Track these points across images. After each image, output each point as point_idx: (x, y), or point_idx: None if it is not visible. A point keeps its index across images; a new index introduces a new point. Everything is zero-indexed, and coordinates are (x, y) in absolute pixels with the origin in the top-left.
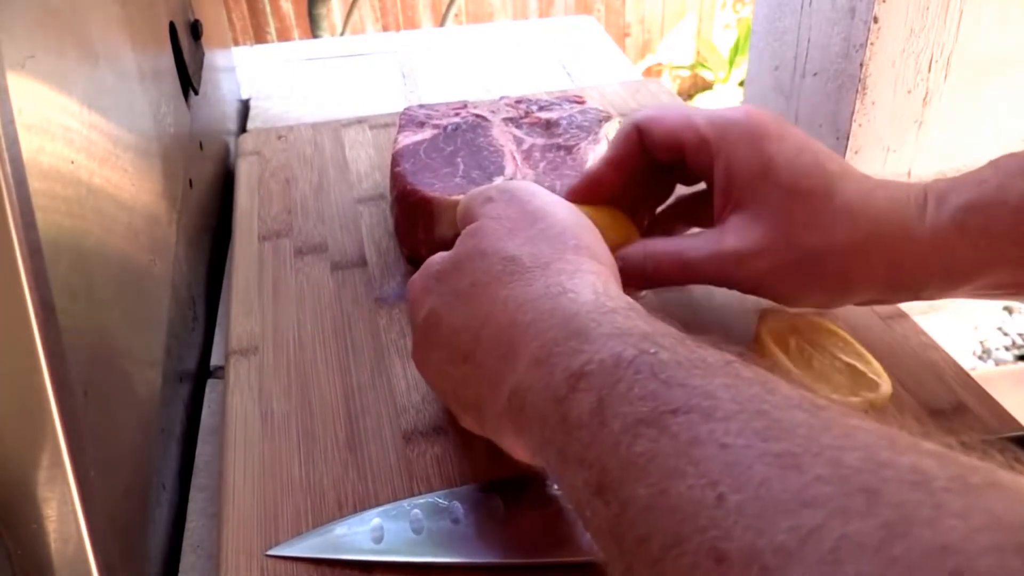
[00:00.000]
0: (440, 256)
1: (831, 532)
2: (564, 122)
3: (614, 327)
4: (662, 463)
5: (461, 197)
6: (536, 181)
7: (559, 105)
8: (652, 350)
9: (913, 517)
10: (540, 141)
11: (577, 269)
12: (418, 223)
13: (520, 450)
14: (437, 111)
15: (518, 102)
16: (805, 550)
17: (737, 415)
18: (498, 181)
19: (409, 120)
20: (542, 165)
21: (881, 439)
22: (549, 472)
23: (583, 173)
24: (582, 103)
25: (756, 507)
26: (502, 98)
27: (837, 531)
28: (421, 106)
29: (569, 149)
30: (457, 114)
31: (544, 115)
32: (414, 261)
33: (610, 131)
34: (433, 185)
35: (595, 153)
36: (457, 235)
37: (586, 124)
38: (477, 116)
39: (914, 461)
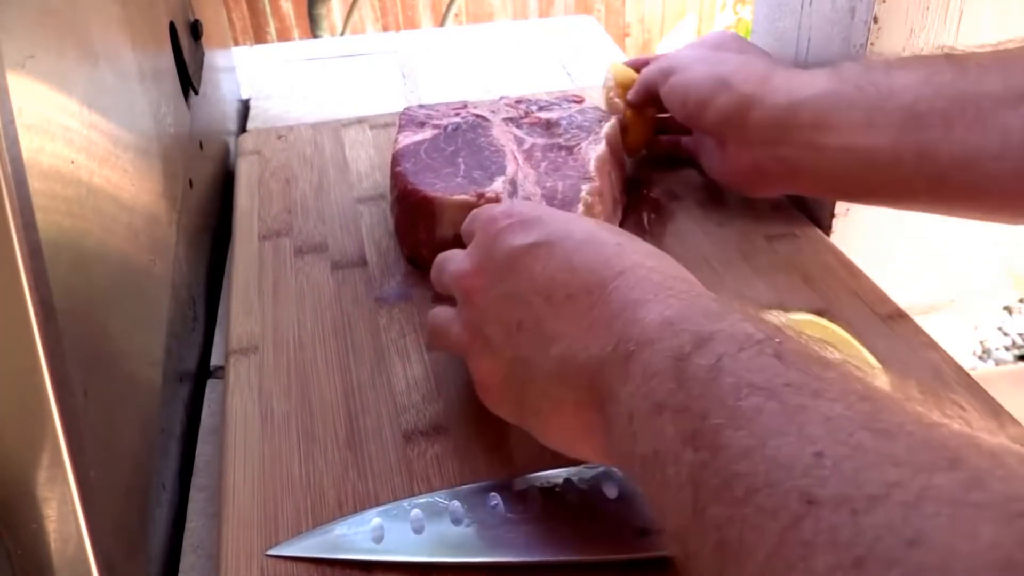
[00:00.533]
0: (529, 203)
1: (917, 483)
2: (564, 122)
3: (746, 315)
4: (767, 421)
5: (462, 197)
6: (537, 181)
7: (559, 105)
8: (778, 339)
9: (989, 476)
10: (541, 141)
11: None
12: (419, 223)
13: (571, 404)
14: (437, 111)
15: (518, 102)
16: (891, 495)
17: (844, 397)
18: (500, 182)
19: (409, 120)
20: (544, 165)
21: (965, 431)
22: (620, 430)
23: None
24: (581, 103)
25: (851, 464)
26: (502, 98)
27: (921, 483)
28: (421, 106)
29: (570, 149)
30: (457, 114)
31: (544, 115)
32: (414, 261)
33: (612, 132)
34: (434, 185)
35: (596, 153)
36: (458, 235)
37: (586, 124)
38: (477, 116)
39: (992, 445)
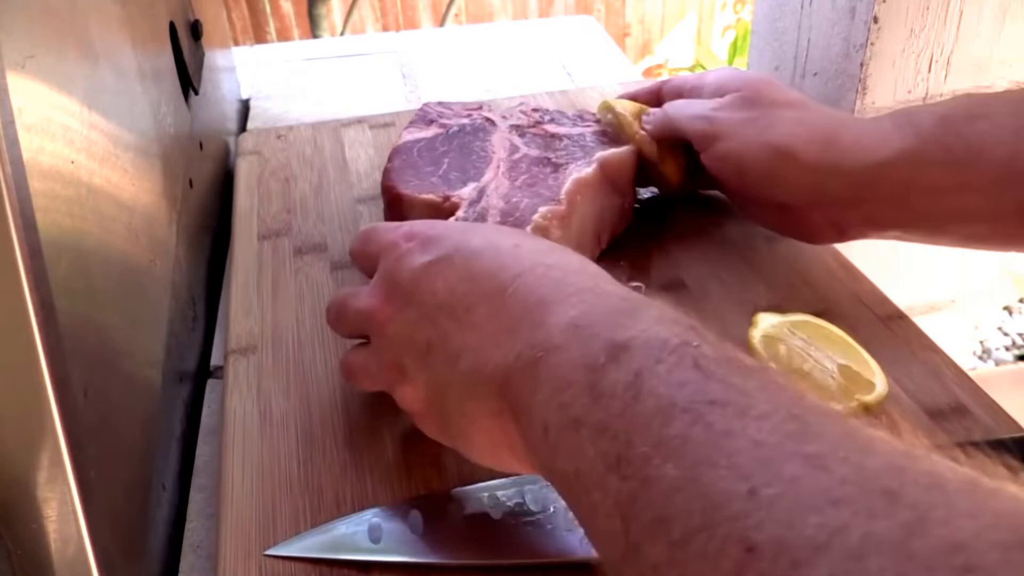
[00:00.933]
0: (428, 222)
1: (856, 529)
2: (567, 139)
3: (661, 313)
4: (694, 449)
5: (428, 196)
6: (507, 193)
7: (572, 121)
8: (695, 343)
9: (929, 517)
10: (534, 153)
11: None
12: (394, 220)
13: (487, 416)
14: (451, 110)
15: (534, 110)
16: (832, 545)
17: (770, 415)
18: (470, 187)
19: (421, 117)
20: (522, 178)
21: (898, 448)
22: (537, 441)
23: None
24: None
25: (786, 503)
26: (521, 104)
27: (861, 528)
28: (440, 103)
29: (556, 167)
30: (469, 115)
31: (552, 128)
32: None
33: (610, 157)
34: (409, 183)
35: (576, 176)
36: None
37: (589, 145)
38: (486, 119)
39: (929, 467)
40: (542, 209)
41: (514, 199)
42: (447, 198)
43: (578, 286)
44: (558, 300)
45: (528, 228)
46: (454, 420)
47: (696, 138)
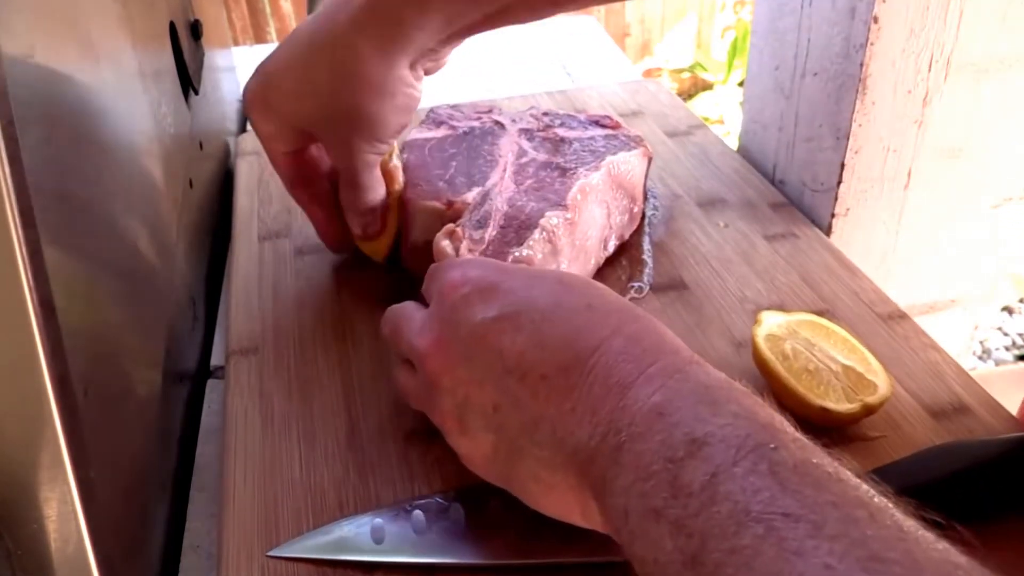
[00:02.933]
0: (483, 265)
1: None
2: (576, 143)
3: (740, 407)
4: (765, 564)
5: (432, 203)
6: (513, 197)
7: (584, 126)
8: (772, 445)
9: None
10: (542, 157)
11: (680, 343)
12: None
13: (563, 487)
14: (461, 112)
15: (544, 114)
16: None
17: (842, 537)
18: (475, 192)
19: (430, 119)
20: (528, 182)
21: (961, 564)
22: (617, 523)
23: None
24: (614, 127)
25: None
26: (531, 108)
27: None
28: (451, 106)
29: (564, 171)
30: (479, 118)
31: (562, 132)
32: (393, 260)
33: (618, 162)
34: (415, 187)
35: (583, 182)
36: (428, 242)
37: (599, 150)
38: (496, 123)
39: None
40: (548, 214)
41: (519, 203)
42: (451, 204)
43: (660, 364)
44: (641, 381)
45: (535, 231)
46: (522, 481)
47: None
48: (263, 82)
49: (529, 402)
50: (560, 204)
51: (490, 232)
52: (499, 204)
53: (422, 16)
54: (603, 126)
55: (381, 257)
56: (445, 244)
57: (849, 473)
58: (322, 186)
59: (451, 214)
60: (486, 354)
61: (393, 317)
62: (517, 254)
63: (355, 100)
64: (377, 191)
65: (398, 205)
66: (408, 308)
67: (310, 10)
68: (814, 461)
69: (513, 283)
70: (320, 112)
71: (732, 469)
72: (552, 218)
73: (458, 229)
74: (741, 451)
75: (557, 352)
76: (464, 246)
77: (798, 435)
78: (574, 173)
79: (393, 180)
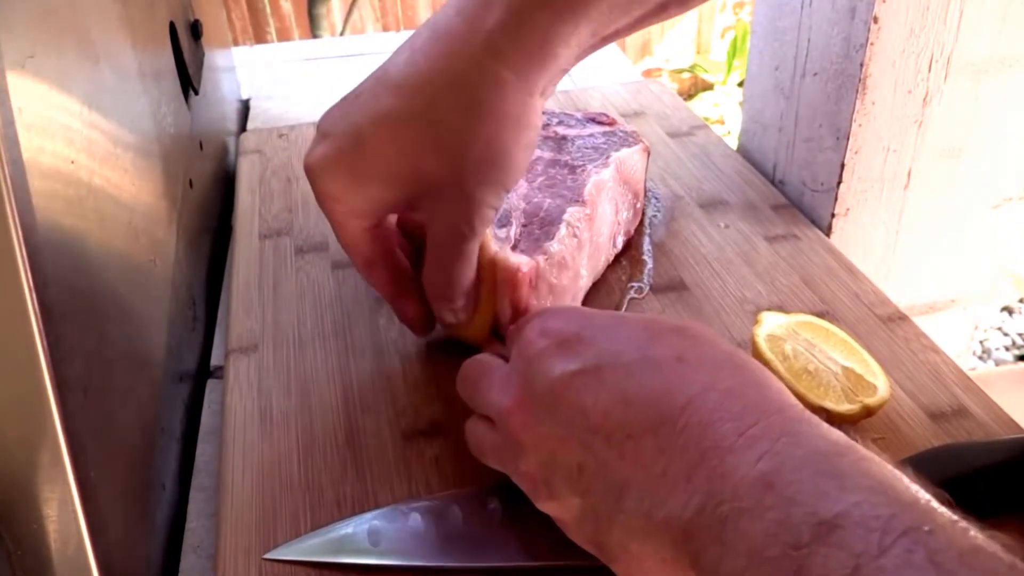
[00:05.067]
0: (563, 313)
1: None
2: (578, 140)
3: (873, 479)
4: None
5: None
6: (527, 194)
7: (582, 123)
8: (926, 527)
9: None
10: (548, 155)
11: (791, 398)
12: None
13: (656, 560)
14: None
15: (543, 112)
16: None
17: None
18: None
19: None
20: (539, 180)
21: None
22: None
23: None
24: (610, 124)
25: None
26: None
27: None
28: None
29: (573, 169)
30: None
31: (561, 130)
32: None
33: (625, 158)
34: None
35: (596, 177)
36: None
37: (602, 146)
38: None
39: None
40: (570, 210)
41: (535, 200)
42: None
43: (763, 424)
44: (742, 444)
45: (560, 227)
46: (612, 550)
47: None
48: (351, 144)
49: (615, 464)
50: (578, 200)
51: (514, 230)
52: (515, 200)
53: (575, 28)
54: (600, 123)
55: (484, 337)
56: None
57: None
58: (401, 263)
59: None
60: (568, 411)
61: (471, 373)
62: (551, 248)
63: (493, 143)
64: (474, 263)
65: (490, 268)
66: (486, 362)
67: (310, 10)
68: (978, 542)
69: (595, 332)
70: (443, 167)
71: (879, 560)
72: (574, 213)
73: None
74: (887, 536)
75: (644, 410)
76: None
77: (953, 513)
78: (583, 170)
79: (487, 244)
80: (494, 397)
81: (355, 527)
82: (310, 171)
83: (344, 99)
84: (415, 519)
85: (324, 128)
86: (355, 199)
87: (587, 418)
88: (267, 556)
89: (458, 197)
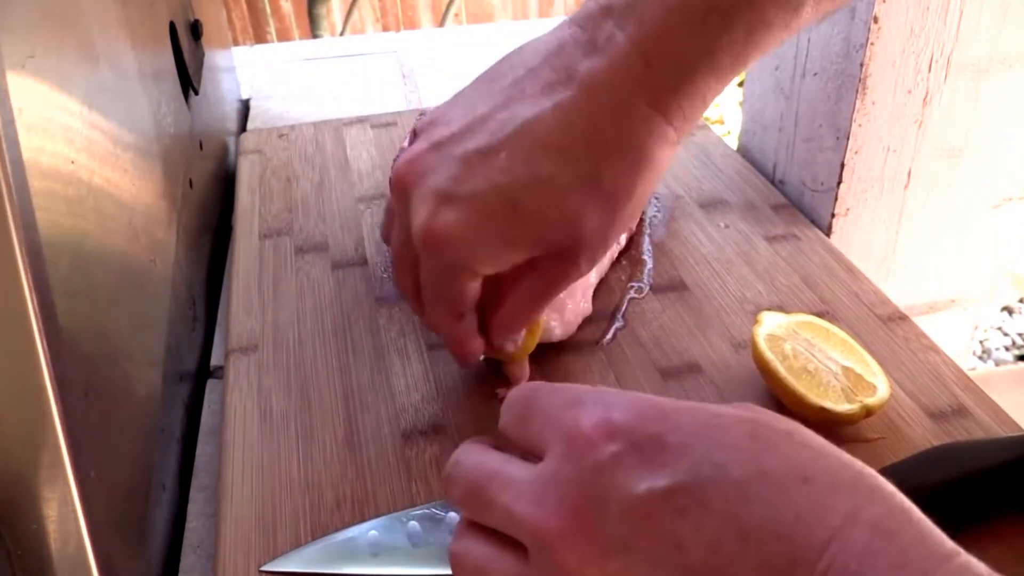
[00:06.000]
0: (636, 404)
1: None
2: None
3: None
4: None
5: None
6: None
7: None
8: None
9: None
10: None
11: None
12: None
13: None
14: None
15: None
16: None
17: None
18: None
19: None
20: None
21: None
22: None
23: None
24: None
25: None
26: None
27: None
28: None
29: None
30: None
31: None
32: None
33: None
34: None
35: None
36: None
37: None
38: None
39: None
40: None
41: None
42: None
43: (922, 566)
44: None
45: None
46: None
47: None
48: (503, 210)
49: None
50: None
51: None
52: None
53: (722, 88)
54: None
55: (525, 359)
56: None
57: None
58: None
59: None
60: (657, 544)
61: (472, 472)
62: None
63: (633, 189)
64: None
65: None
66: (497, 460)
67: (310, 10)
68: None
69: (684, 436)
70: (605, 223)
71: None
72: None
73: None
74: None
75: (766, 546)
76: None
77: None
78: None
79: None
80: (529, 512)
81: (354, 537)
82: (441, 238)
83: (456, 156)
84: (414, 528)
85: (445, 190)
86: (491, 263)
87: (684, 555)
88: (264, 568)
89: (580, 250)
